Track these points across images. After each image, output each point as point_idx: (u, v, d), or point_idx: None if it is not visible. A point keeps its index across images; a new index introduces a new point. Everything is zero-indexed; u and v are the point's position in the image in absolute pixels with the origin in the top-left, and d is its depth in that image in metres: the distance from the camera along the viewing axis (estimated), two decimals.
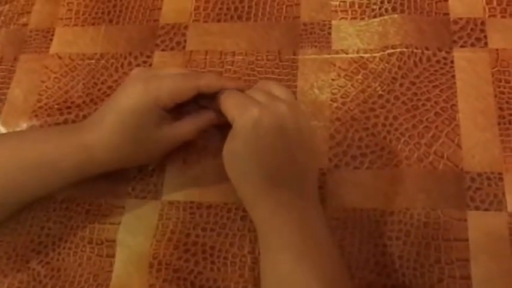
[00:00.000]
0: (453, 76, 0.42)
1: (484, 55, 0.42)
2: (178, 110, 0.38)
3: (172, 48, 0.47)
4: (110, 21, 0.50)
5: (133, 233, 0.41)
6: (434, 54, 0.43)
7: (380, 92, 0.43)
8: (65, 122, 0.46)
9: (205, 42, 0.47)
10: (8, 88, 0.48)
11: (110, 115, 0.37)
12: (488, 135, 0.40)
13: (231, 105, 0.36)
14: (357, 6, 0.46)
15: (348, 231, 0.39)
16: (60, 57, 0.49)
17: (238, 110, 0.35)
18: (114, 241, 0.41)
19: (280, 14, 0.47)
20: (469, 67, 0.42)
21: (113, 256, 0.40)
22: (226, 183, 0.36)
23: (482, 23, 0.44)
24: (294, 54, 0.45)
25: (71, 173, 0.38)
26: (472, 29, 0.44)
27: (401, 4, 0.45)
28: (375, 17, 0.45)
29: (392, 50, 0.43)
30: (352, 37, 0.45)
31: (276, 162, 0.34)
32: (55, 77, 0.48)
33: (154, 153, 0.40)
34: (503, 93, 0.41)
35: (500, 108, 0.41)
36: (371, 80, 0.43)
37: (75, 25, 0.50)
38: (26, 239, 0.42)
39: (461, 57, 0.43)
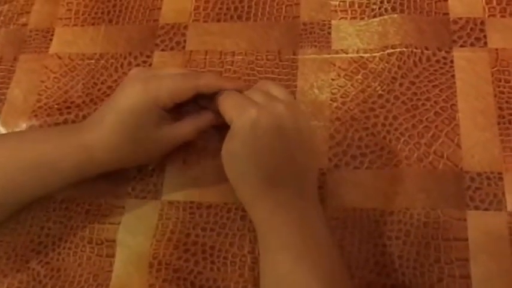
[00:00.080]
0: (453, 76, 0.42)
1: (483, 55, 0.42)
2: (177, 110, 0.38)
3: (172, 48, 0.47)
4: (110, 21, 0.50)
5: (133, 233, 0.41)
6: (434, 54, 0.43)
7: (380, 92, 0.43)
8: (65, 122, 0.46)
9: (205, 42, 0.47)
10: (7, 88, 0.48)
11: (110, 115, 0.37)
12: (488, 135, 0.40)
13: (229, 106, 0.36)
14: (356, 6, 0.46)
15: (347, 231, 0.39)
16: (59, 57, 0.49)
17: (236, 110, 0.35)
18: (114, 241, 0.41)
19: (280, 13, 0.47)
20: (468, 67, 0.42)
21: (113, 256, 0.40)
22: (226, 183, 0.36)
23: (482, 23, 0.44)
24: (294, 54, 0.45)
25: (71, 173, 0.38)
26: (471, 29, 0.44)
27: (401, 4, 0.45)
28: (374, 16, 0.45)
29: (392, 50, 0.43)
30: (352, 37, 0.45)
31: (275, 163, 0.34)
32: (55, 77, 0.48)
33: (154, 153, 0.40)
34: (502, 92, 0.41)
35: (500, 108, 0.41)
36: (371, 80, 0.43)
37: (75, 25, 0.50)
38: (26, 239, 0.42)
39: (460, 57, 0.43)
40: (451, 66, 0.42)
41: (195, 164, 0.42)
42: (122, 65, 0.47)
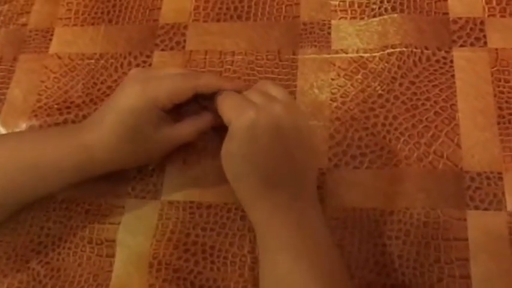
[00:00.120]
0: (452, 76, 0.42)
1: (483, 54, 0.42)
2: (177, 110, 0.38)
3: (171, 48, 0.47)
4: (110, 21, 0.50)
5: (133, 233, 0.41)
6: (434, 54, 0.43)
7: (380, 92, 0.43)
8: (65, 122, 0.46)
9: (204, 42, 0.47)
10: (7, 88, 0.48)
11: (109, 115, 0.37)
12: (487, 134, 0.40)
13: (227, 107, 0.36)
14: (356, 5, 0.46)
15: (347, 230, 0.39)
16: (59, 57, 0.49)
17: (234, 112, 0.35)
18: (114, 241, 0.41)
19: (279, 13, 0.47)
20: (468, 66, 0.42)
21: (113, 256, 0.40)
22: (226, 183, 0.36)
23: (482, 23, 0.44)
24: (294, 53, 0.45)
25: (71, 173, 0.38)
26: (471, 29, 0.44)
27: (401, 4, 0.45)
28: (374, 16, 0.45)
29: (392, 50, 0.43)
30: (351, 37, 0.45)
31: (273, 164, 0.34)
32: (54, 77, 0.48)
33: (154, 153, 0.40)
34: (502, 92, 0.41)
35: (500, 108, 0.41)
36: (371, 80, 0.43)
37: (75, 25, 0.50)
38: (26, 239, 0.42)
39: (460, 56, 0.43)
40: (451, 66, 0.42)
41: (195, 164, 0.42)
42: (121, 65, 0.47)
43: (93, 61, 0.48)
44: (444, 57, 0.43)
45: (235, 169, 0.35)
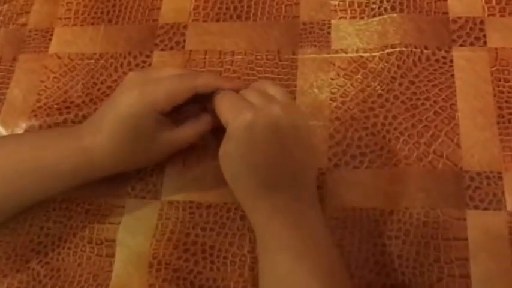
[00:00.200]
0: (452, 75, 0.42)
1: (483, 54, 0.42)
2: (177, 112, 0.38)
3: (171, 48, 0.47)
4: (109, 21, 0.50)
5: (133, 233, 0.41)
6: (434, 54, 0.43)
7: (379, 91, 0.43)
8: (64, 121, 0.46)
9: (204, 41, 0.47)
10: (7, 88, 0.48)
11: (109, 121, 0.37)
12: (487, 134, 0.40)
13: (224, 108, 0.36)
14: (356, 5, 0.46)
15: (347, 230, 0.39)
16: (59, 57, 0.49)
17: (231, 113, 0.35)
18: (113, 241, 0.41)
19: (279, 13, 0.47)
20: (468, 66, 0.42)
21: (113, 256, 0.40)
22: (225, 183, 0.36)
23: (482, 22, 0.44)
24: (294, 53, 0.45)
25: (70, 176, 0.38)
26: (471, 28, 0.44)
27: (401, 3, 0.45)
28: (374, 16, 0.45)
29: (392, 50, 0.43)
30: (351, 36, 0.45)
31: (271, 164, 0.34)
32: (54, 77, 0.48)
33: (154, 157, 0.40)
34: (502, 92, 0.41)
35: (500, 108, 0.41)
36: (370, 80, 0.43)
37: (74, 25, 0.50)
38: (26, 239, 0.42)
39: (460, 56, 0.43)
40: (451, 66, 0.42)
41: (194, 164, 0.42)
42: (121, 65, 0.47)
43: (92, 61, 0.48)
44: (444, 57, 0.43)
45: (233, 170, 0.35)
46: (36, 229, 0.42)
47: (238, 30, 0.47)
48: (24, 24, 0.51)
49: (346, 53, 0.44)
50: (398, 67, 0.43)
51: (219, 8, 0.48)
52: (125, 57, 0.48)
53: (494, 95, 0.41)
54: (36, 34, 0.50)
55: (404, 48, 0.43)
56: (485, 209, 0.38)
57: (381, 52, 0.44)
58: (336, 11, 0.46)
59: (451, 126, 0.41)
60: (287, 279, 0.33)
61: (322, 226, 0.35)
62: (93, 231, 0.41)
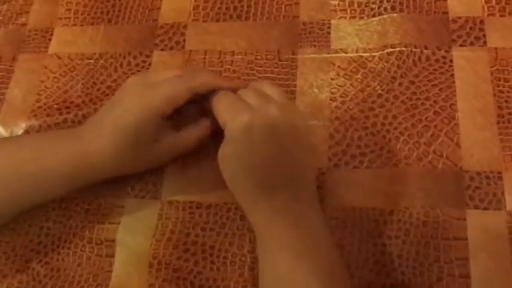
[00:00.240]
0: (452, 75, 0.42)
1: (483, 54, 0.42)
2: (177, 113, 0.38)
3: (171, 48, 0.47)
4: (109, 21, 0.50)
5: (133, 233, 0.41)
6: (434, 53, 0.43)
7: (379, 91, 0.43)
8: (64, 121, 0.46)
9: (204, 41, 0.47)
10: (6, 88, 0.48)
11: (109, 127, 0.37)
12: (487, 134, 0.40)
13: (222, 110, 0.36)
14: (356, 5, 0.46)
15: (347, 230, 0.39)
16: (59, 57, 0.49)
17: (229, 114, 0.35)
18: (113, 241, 0.41)
19: (279, 13, 0.47)
20: (468, 66, 0.42)
21: (113, 256, 0.40)
22: (225, 183, 0.36)
23: (481, 22, 0.44)
24: (293, 53, 0.45)
25: (70, 179, 0.38)
26: (471, 28, 0.44)
27: (401, 3, 0.45)
28: (374, 16, 0.45)
29: (392, 49, 0.43)
30: (351, 36, 0.45)
31: (270, 165, 0.34)
32: (54, 77, 0.48)
33: (154, 162, 0.40)
34: (502, 92, 0.41)
35: (499, 107, 0.41)
36: (370, 79, 0.43)
37: (74, 25, 0.50)
38: (25, 239, 0.42)
39: (460, 56, 0.43)
40: (451, 66, 0.42)
41: (194, 163, 0.42)
42: (121, 65, 0.47)
43: (92, 61, 0.48)
44: (444, 57, 0.43)
45: (231, 172, 0.35)
46: (35, 229, 0.42)
47: (238, 30, 0.47)
48: (23, 24, 0.51)
49: (346, 52, 0.44)
50: (398, 67, 0.43)
51: (219, 8, 0.48)
52: (124, 57, 0.48)
53: (494, 95, 0.41)
54: (35, 34, 0.50)
55: (404, 48, 0.43)
56: (485, 208, 0.38)
57: (381, 52, 0.44)
58: (335, 10, 0.46)
59: (451, 126, 0.41)
60: (287, 279, 0.33)
61: (322, 226, 0.35)
62: (93, 231, 0.41)
